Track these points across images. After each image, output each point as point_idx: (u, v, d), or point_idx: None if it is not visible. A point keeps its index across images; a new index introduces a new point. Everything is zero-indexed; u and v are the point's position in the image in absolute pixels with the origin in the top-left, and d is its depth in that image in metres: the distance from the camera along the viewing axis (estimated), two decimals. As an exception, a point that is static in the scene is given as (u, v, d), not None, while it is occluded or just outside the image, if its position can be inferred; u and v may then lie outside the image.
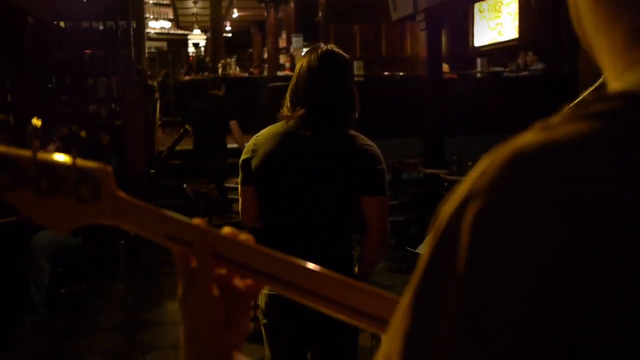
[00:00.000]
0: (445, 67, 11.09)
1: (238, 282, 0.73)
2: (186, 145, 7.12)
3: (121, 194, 0.67)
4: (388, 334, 0.49)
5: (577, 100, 0.45)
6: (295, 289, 0.69)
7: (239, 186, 2.42)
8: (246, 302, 0.74)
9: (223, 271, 0.72)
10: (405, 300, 0.48)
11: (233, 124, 7.17)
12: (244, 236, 0.72)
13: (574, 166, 0.42)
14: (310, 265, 0.69)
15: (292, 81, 2.35)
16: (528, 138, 0.44)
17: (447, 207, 0.46)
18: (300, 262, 0.70)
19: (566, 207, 0.41)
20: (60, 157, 0.66)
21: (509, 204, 0.43)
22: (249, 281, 0.73)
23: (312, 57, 2.31)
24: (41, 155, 0.65)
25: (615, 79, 0.50)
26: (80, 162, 0.66)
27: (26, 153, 0.65)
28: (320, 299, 0.68)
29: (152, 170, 4.28)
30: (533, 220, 0.41)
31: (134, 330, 4.28)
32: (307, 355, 2.40)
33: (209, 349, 0.73)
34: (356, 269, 2.40)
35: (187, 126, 4.69)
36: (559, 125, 0.44)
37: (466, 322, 0.43)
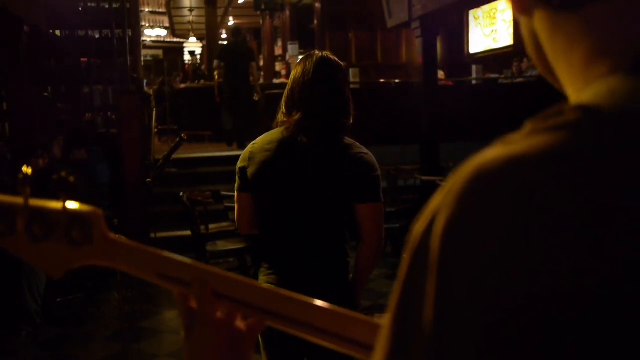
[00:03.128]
0: (441, 74, 11.11)
1: (239, 322, 0.74)
2: (183, 152, 7.13)
3: (112, 235, 0.69)
4: (374, 354, 0.50)
5: (537, 115, 0.47)
6: (295, 324, 0.70)
7: (235, 192, 2.42)
8: (249, 341, 0.75)
9: (223, 311, 0.72)
10: (385, 321, 0.49)
11: (252, 65, 10.12)
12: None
13: (532, 179, 0.43)
14: (310, 300, 0.71)
15: (287, 87, 2.36)
16: (490, 153, 0.45)
17: (418, 226, 0.48)
18: (300, 297, 0.71)
19: (525, 219, 0.42)
20: (52, 203, 0.68)
21: (472, 218, 0.44)
22: (250, 320, 0.74)
23: (307, 64, 2.32)
24: (33, 202, 0.67)
25: (575, 95, 0.52)
26: (70, 206, 0.67)
27: (18, 200, 0.67)
28: (320, 333, 0.70)
29: (149, 179, 4.27)
30: (496, 230, 0.42)
31: (131, 338, 4.26)
32: (304, 362, 2.40)
33: None
34: (352, 275, 2.40)
35: (182, 134, 4.69)
36: (518, 139, 0.45)
37: (437, 344, 0.43)
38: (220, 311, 0.72)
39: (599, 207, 0.41)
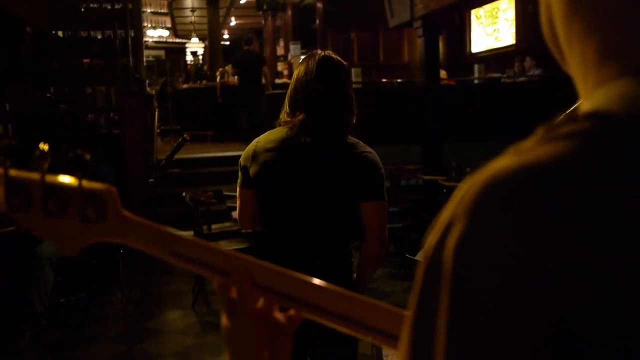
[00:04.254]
0: (443, 73, 11.10)
1: (278, 314, 0.74)
2: (185, 152, 7.13)
3: (126, 213, 0.70)
4: None
5: (548, 123, 0.46)
6: (332, 315, 0.71)
7: (238, 188, 2.42)
8: (288, 332, 0.75)
9: (263, 302, 0.73)
10: (403, 337, 0.48)
11: (265, 68, 11.64)
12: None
13: (546, 188, 0.43)
14: (345, 292, 0.72)
15: (290, 86, 2.37)
16: (502, 163, 0.45)
17: (431, 238, 0.47)
18: (335, 288, 0.72)
19: (540, 229, 0.42)
20: (67, 180, 0.69)
21: (486, 229, 0.43)
22: (289, 312, 0.75)
23: (310, 63, 2.33)
24: (49, 178, 0.68)
25: (585, 97, 0.51)
26: (86, 183, 0.68)
27: (35, 176, 0.68)
28: (355, 324, 0.70)
29: (151, 179, 4.28)
30: (509, 244, 0.42)
31: (135, 339, 4.27)
32: (308, 362, 2.40)
33: None
34: (355, 275, 2.40)
35: (185, 135, 4.69)
36: (531, 148, 0.45)
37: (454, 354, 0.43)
38: (260, 301, 0.73)
39: (614, 216, 0.41)
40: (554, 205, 0.42)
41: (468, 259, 0.43)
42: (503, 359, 0.42)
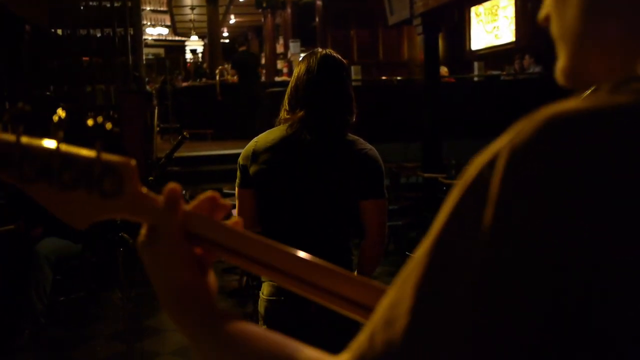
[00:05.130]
0: (444, 70, 11.09)
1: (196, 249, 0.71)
2: (185, 150, 7.13)
3: (144, 189, 0.66)
4: (396, 283, 0.49)
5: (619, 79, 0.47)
6: (267, 268, 0.69)
7: (236, 189, 2.41)
8: (207, 266, 0.72)
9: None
10: (421, 250, 0.48)
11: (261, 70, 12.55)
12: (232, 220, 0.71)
13: (609, 132, 0.43)
14: (291, 250, 0.71)
15: (290, 84, 2.36)
16: (567, 104, 0.45)
17: (480, 159, 0.47)
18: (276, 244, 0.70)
19: (598, 169, 0.42)
20: (84, 150, 0.64)
21: (543, 162, 0.43)
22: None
23: (311, 61, 2.32)
24: (65, 148, 0.64)
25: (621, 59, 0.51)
26: (104, 155, 0.64)
27: (50, 144, 0.64)
28: (303, 283, 0.69)
29: (151, 177, 4.27)
30: (565, 180, 0.42)
31: (135, 337, 4.27)
32: None
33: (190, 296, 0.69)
34: (355, 272, 2.40)
35: (184, 133, 4.68)
36: (599, 95, 0.46)
37: (487, 278, 0.43)
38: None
39: None
40: (616, 148, 0.42)
41: (519, 190, 0.43)
42: (545, 278, 0.42)
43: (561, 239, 0.42)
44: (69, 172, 0.63)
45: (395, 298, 0.48)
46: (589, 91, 0.53)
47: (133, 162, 0.65)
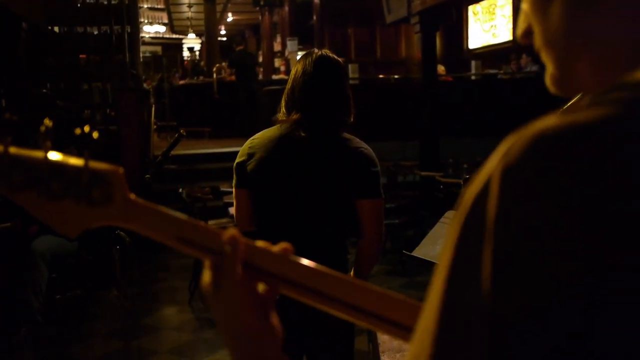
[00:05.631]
0: (441, 69, 11.09)
1: (260, 285, 0.72)
2: (182, 148, 7.13)
3: (133, 196, 0.66)
4: (416, 333, 0.49)
5: (578, 98, 0.47)
6: (324, 297, 0.69)
7: (234, 189, 2.41)
8: (270, 304, 0.73)
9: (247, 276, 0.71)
10: (433, 294, 0.48)
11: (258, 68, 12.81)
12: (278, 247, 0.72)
13: (593, 147, 0.43)
14: (336, 273, 0.70)
15: (287, 86, 2.35)
16: (550, 120, 0.46)
17: (471, 189, 0.47)
18: (327, 269, 0.70)
19: (586, 185, 0.42)
20: (72, 159, 0.65)
21: (533, 183, 0.44)
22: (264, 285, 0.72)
23: (307, 62, 2.31)
24: (53, 157, 0.64)
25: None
26: (92, 164, 0.64)
27: (38, 154, 0.64)
28: (346, 306, 0.68)
29: (148, 175, 4.27)
30: (556, 199, 0.43)
31: (131, 335, 4.27)
32: (304, 359, 2.40)
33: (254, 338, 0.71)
34: (352, 272, 2.40)
35: (181, 131, 4.68)
36: (579, 109, 0.46)
37: (495, 306, 0.43)
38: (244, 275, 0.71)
39: None
40: (601, 163, 0.43)
41: (515, 207, 0.44)
42: (549, 306, 0.42)
43: (561, 256, 0.42)
44: (57, 181, 0.64)
45: (417, 351, 0.48)
46: (574, 100, 0.53)
47: (121, 169, 0.65)
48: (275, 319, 0.73)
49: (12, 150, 0.64)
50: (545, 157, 0.44)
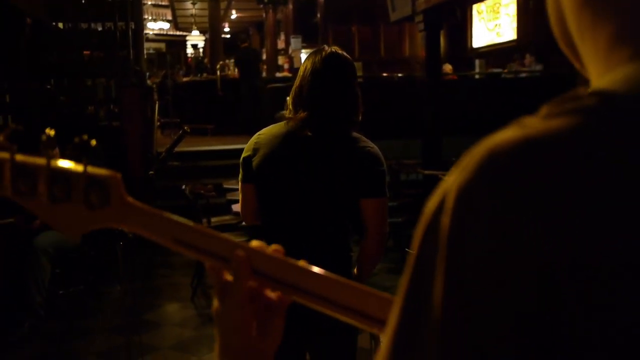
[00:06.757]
0: (449, 68, 11.09)
1: (270, 293, 0.75)
2: (185, 145, 7.14)
3: (129, 199, 0.71)
4: (385, 331, 0.50)
5: (553, 101, 0.47)
6: (329, 302, 0.71)
7: (239, 183, 2.42)
8: (278, 312, 0.76)
9: (254, 283, 0.73)
10: (397, 298, 0.49)
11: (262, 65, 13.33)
12: (273, 247, 0.74)
13: (547, 161, 0.43)
14: (340, 278, 0.71)
15: (295, 83, 2.33)
16: (505, 135, 0.46)
17: (430, 203, 0.48)
18: (332, 275, 0.72)
19: (539, 201, 0.42)
20: (72, 165, 0.69)
21: (485, 197, 0.44)
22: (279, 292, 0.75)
23: (317, 60, 2.29)
24: (54, 163, 0.69)
25: (596, 80, 0.52)
26: (90, 169, 0.69)
27: (41, 161, 0.69)
28: (354, 313, 0.71)
29: (151, 172, 4.28)
30: (507, 215, 0.43)
31: (133, 331, 4.27)
32: (306, 356, 2.40)
33: (243, 358, 0.75)
34: (355, 270, 2.40)
35: (185, 127, 4.69)
36: (534, 122, 0.46)
37: (444, 324, 0.44)
38: (251, 283, 0.73)
39: (613, 190, 0.42)
40: (556, 177, 0.43)
41: (466, 222, 0.44)
42: (497, 322, 0.42)
43: (514, 269, 0.42)
44: (58, 186, 0.69)
45: (382, 348, 0.49)
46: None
47: (119, 174, 0.70)
48: (277, 328, 0.76)
49: (18, 157, 0.69)
50: (495, 174, 0.44)
